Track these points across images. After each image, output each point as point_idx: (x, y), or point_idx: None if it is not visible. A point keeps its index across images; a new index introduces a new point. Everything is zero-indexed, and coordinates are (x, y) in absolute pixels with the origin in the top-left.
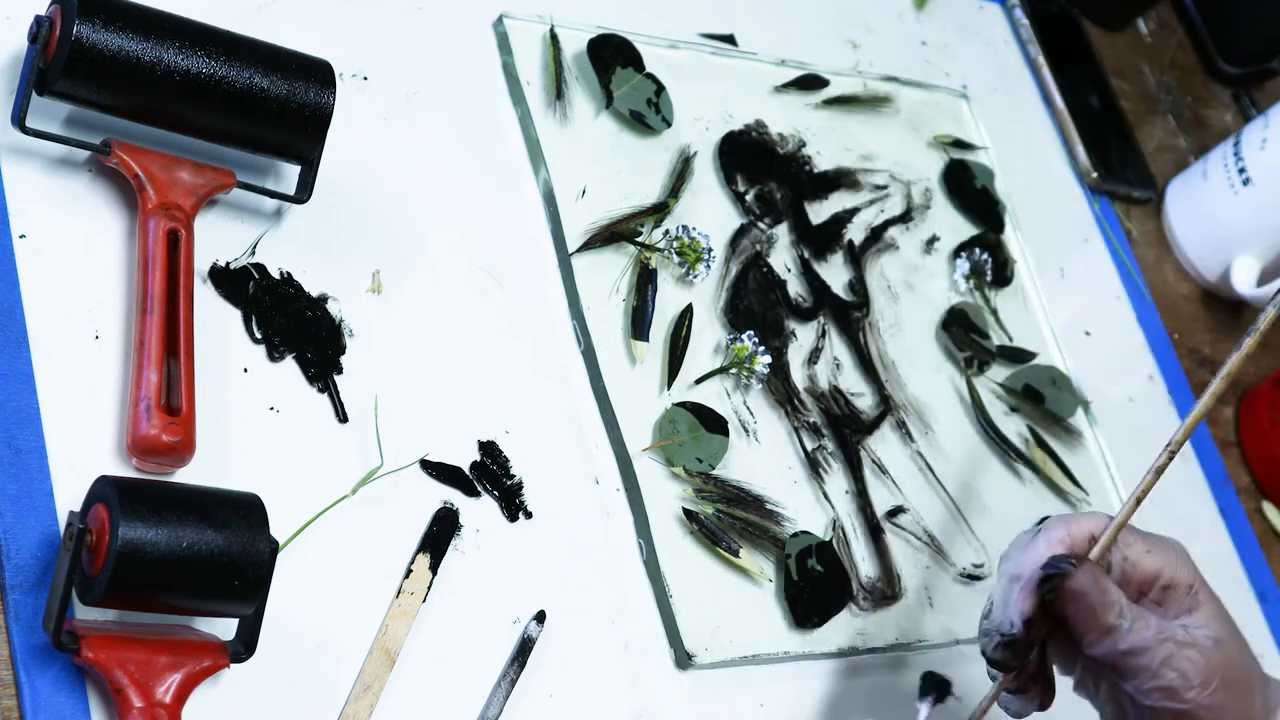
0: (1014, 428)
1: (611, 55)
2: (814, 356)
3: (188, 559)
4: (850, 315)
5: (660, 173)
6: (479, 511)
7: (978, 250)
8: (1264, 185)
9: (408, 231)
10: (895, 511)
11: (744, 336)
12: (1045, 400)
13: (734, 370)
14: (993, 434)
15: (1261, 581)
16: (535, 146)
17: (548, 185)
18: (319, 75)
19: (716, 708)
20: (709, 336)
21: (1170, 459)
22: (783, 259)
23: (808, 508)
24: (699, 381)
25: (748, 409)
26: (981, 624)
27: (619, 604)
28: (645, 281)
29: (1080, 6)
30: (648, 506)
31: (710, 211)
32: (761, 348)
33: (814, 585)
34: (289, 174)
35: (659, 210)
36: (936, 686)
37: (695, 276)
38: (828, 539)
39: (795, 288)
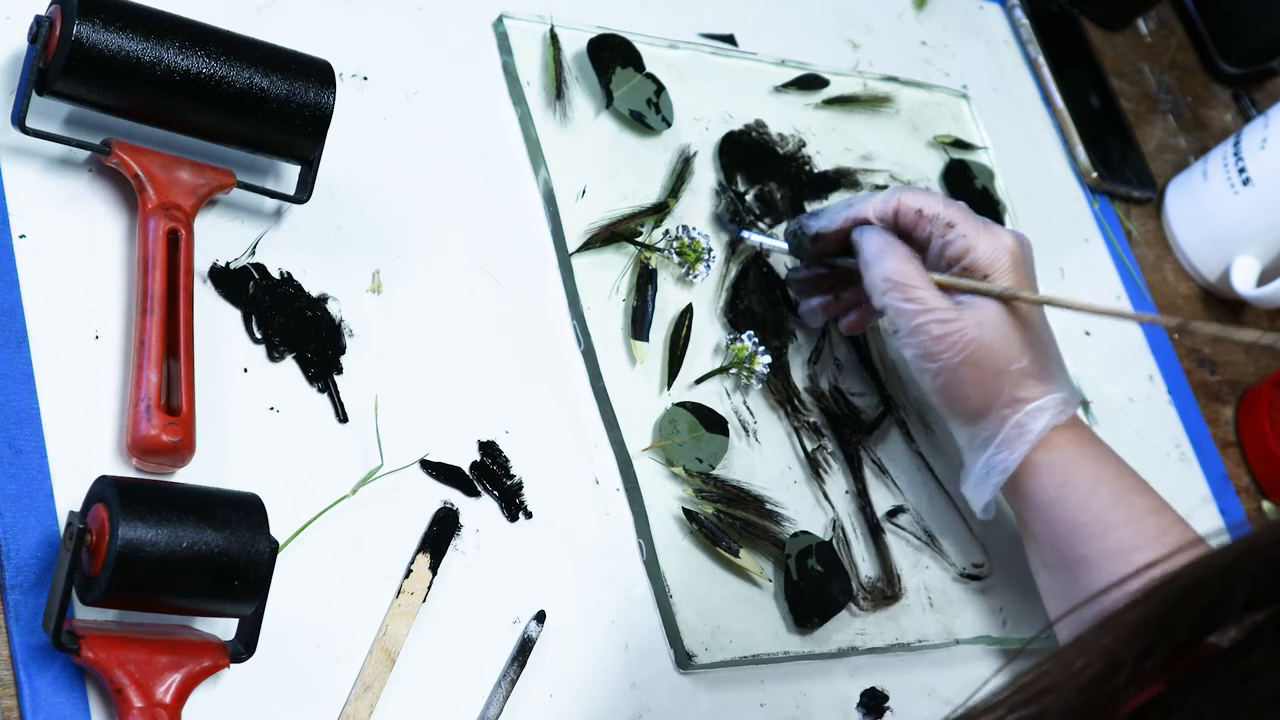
0: None
1: (611, 55)
2: (814, 356)
3: (188, 559)
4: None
5: (660, 173)
6: (479, 511)
7: None
8: (1264, 185)
9: (408, 231)
10: (895, 511)
11: (744, 337)
12: None
13: (734, 370)
14: None
15: None
16: (535, 146)
17: (548, 185)
18: (319, 75)
19: (716, 708)
20: (709, 337)
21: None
22: (783, 259)
23: (808, 508)
24: (699, 382)
25: (748, 409)
26: (801, 216)
27: (619, 604)
28: (645, 281)
29: (1080, 6)
30: (648, 506)
31: (710, 212)
32: (761, 347)
33: (814, 585)
34: (289, 174)
35: (659, 210)
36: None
37: (695, 276)
38: (828, 539)
39: None
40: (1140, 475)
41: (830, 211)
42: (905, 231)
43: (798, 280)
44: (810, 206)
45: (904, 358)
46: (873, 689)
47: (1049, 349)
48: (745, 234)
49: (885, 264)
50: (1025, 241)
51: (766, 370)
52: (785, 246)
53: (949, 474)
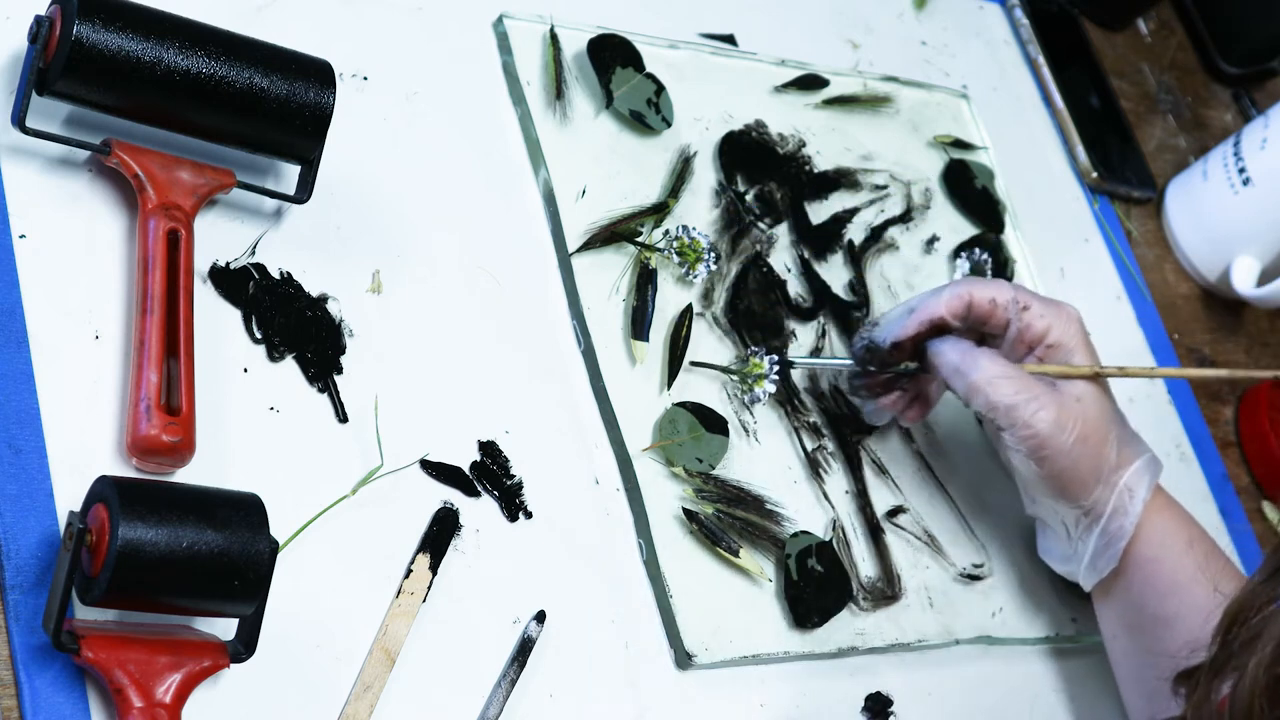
0: None
1: (611, 55)
2: (814, 356)
3: (188, 559)
4: (850, 315)
5: (660, 173)
6: (479, 511)
7: (978, 250)
8: (1264, 185)
9: (408, 231)
10: (895, 511)
11: (766, 358)
12: None
13: (736, 376)
14: None
15: None
16: (535, 146)
17: (548, 185)
18: (319, 75)
19: (716, 708)
20: (709, 336)
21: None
22: (783, 259)
23: (808, 508)
24: (697, 365)
25: (748, 409)
26: (864, 327)
27: (619, 604)
28: (645, 281)
29: (1080, 6)
30: (648, 506)
31: (711, 211)
32: (775, 372)
33: (814, 585)
34: (289, 174)
35: (659, 210)
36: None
37: (695, 276)
38: (828, 539)
39: (795, 288)
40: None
41: (893, 318)
42: (979, 322)
43: (863, 386)
44: (810, 207)
45: (1012, 458)
46: (877, 693)
47: (1122, 414)
48: (797, 361)
49: (979, 370)
50: (1079, 312)
51: (764, 398)
52: (847, 364)
53: (949, 474)
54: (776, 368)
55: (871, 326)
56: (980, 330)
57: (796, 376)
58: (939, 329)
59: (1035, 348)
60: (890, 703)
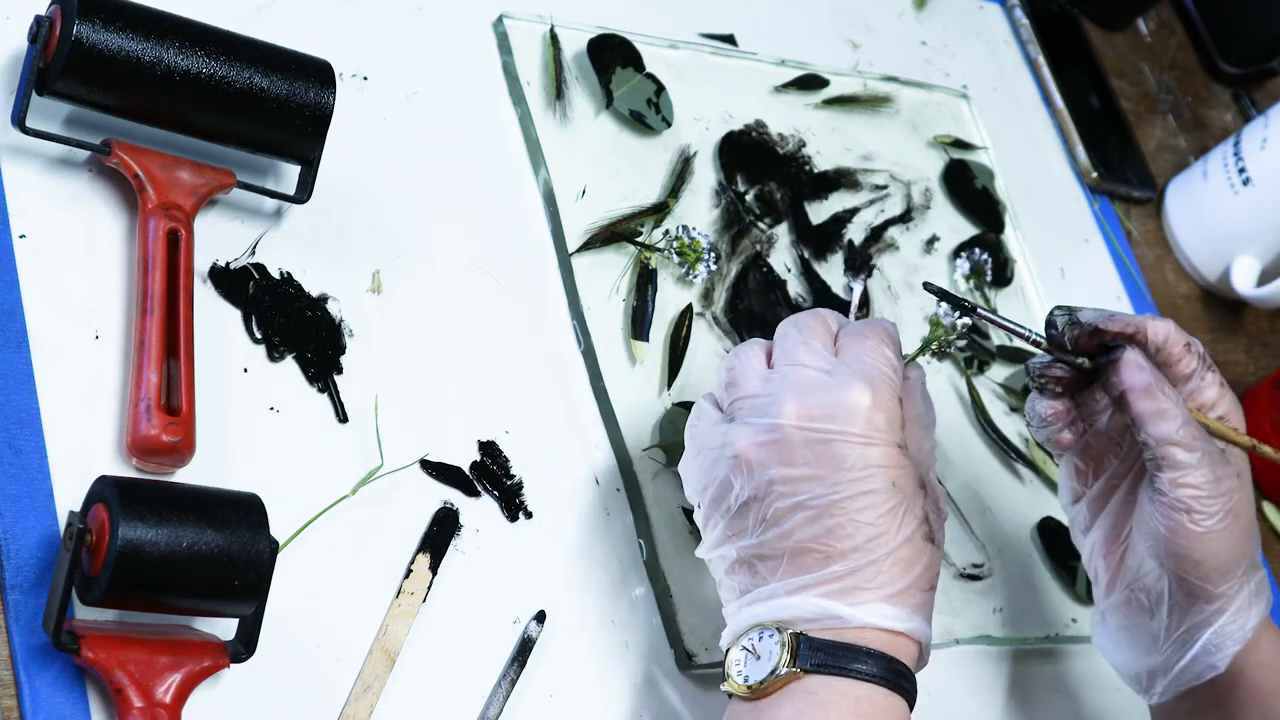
0: (1014, 428)
1: (611, 55)
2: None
3: (188, 559)
4: (850, 315)
5: (660, 173)
6: (479, 511)
7: (978, 250)
8: (1264, 185)
9: (408, 231)
10: None
11: (949, 316)
12: None
13: (935, 345)
14: (993, 434)
15: None
16: (535, 146)
17: (548, 185)
18: (319, 75)
19: (716, 708)
20: (709, 336)
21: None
22: (783, 259)
23: None
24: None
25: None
26: (1063, 307)
27: (619, 604)
28: (645, 281)
29: (1080, 6)
30: (648, 506)
31: (711, 211)
32: (959, 322)
33: None
34: (289, 174)
35: (659, 210)
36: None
37: (695, 276)
38: None
39: (795, 288)
40: None
41: (1097, 311)
42: (1166, 361)
43: (1048, 379)
44: (810, 207)
45: (1153, 511)
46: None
47: None
48: (981, 310)
49: (1165, 395)
50: None
51: (964, 329)
52: (1025, 333)
53: (949, 474)
54: (960, 316)
55: (1078, 309)
56: (1166, 370)
57: None
58: (1138, 343)
59: (1204, 413)
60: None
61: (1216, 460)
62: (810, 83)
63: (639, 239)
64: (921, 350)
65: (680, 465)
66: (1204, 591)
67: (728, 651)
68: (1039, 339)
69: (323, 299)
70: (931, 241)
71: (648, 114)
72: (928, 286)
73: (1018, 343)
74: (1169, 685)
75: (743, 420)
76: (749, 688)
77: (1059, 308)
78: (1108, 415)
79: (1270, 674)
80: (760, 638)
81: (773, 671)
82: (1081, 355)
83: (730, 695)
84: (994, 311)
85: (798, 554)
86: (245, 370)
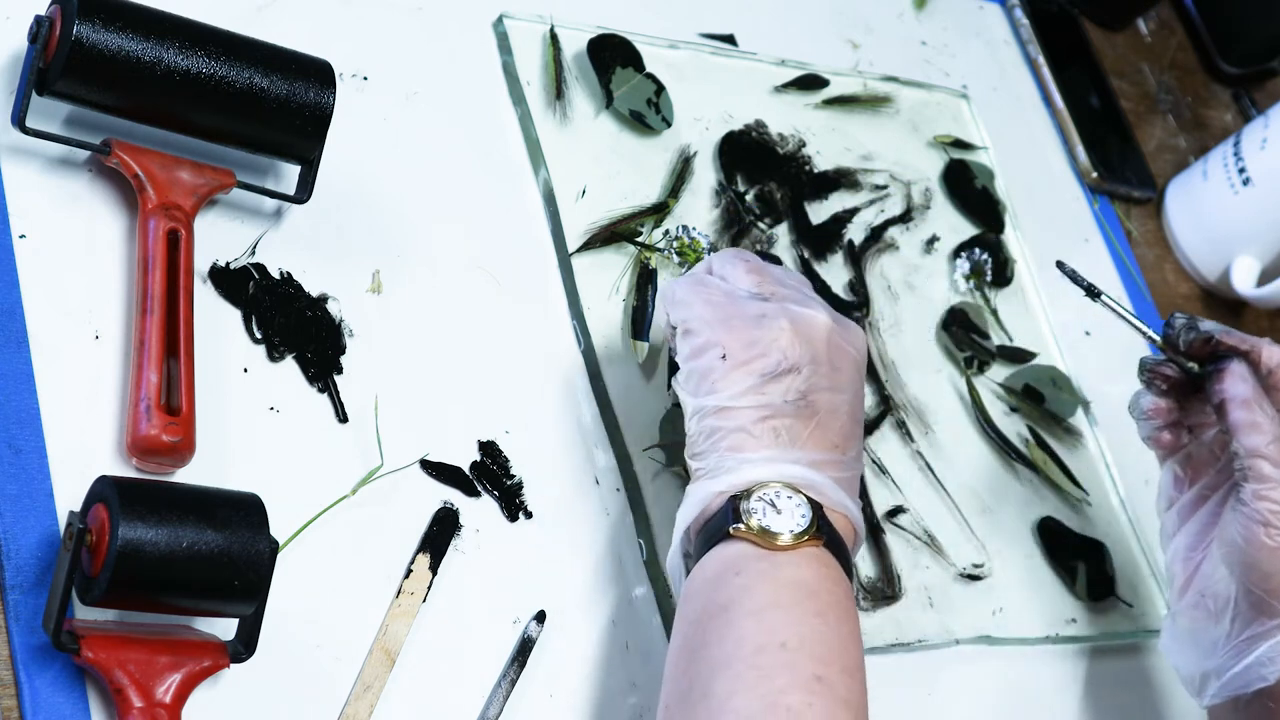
0: (1014, 428)
1: (611, 55)
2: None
3: (188, 559)
4: (850, 315)
5: (660, 173)
6: (479, 511)
7: (978, 250)
8: (1264, 185)
9: (408, 231)
10: (895, 511)
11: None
12: (1045, 400)
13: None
14: (993, 434)
15: None
16: (535, 146)
17: (548, 185)
18: (319, 75)
19: None
20: None
21: None
22: (783, 259)
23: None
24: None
25: None
26: (1183, 315)
27: (619, 604)
28: (645, 281)
29: (1080, 6)
30: (648, 506)
31: (711, 212)
32: (1082, 285)
33: None
34: (289, 174)
35: (659, 210)
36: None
37: None
38: None
39: None
40: None
41: (1219, 325)
42: (1274, 387)
43: (1156, 376)
44: (810, 207)
45: (1236, 523)
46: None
47: None
48: (1107, 299)
49: (1262, 408)
50: None
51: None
52: (1144, 328)
53: (949, 474)
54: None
55: (1196, 317)
56: (1270, 393)
57: None
58: (1249, 361)
59: None
60: None
61: None
62: (810, 83)
63: (639, 239)
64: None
65: (685, 310)
66: (1268, 606)
67: (736, 499)
68: (1155, 336)
69: (323, 299)
70: (931, 241)
71: (648, 114)
72: (1061, 266)
73: (1019, 343)
74: (1220, 689)
75: (792, 304)
76: (768, 534)
77: (1181, 314)
78: (1214, 431)
79: None
80: (780, 495)
81: (797, 531)
82: (1194, 360)
83: (729, 537)
84: (1119, 303)
85: (820, 434)
86: (245, 370)
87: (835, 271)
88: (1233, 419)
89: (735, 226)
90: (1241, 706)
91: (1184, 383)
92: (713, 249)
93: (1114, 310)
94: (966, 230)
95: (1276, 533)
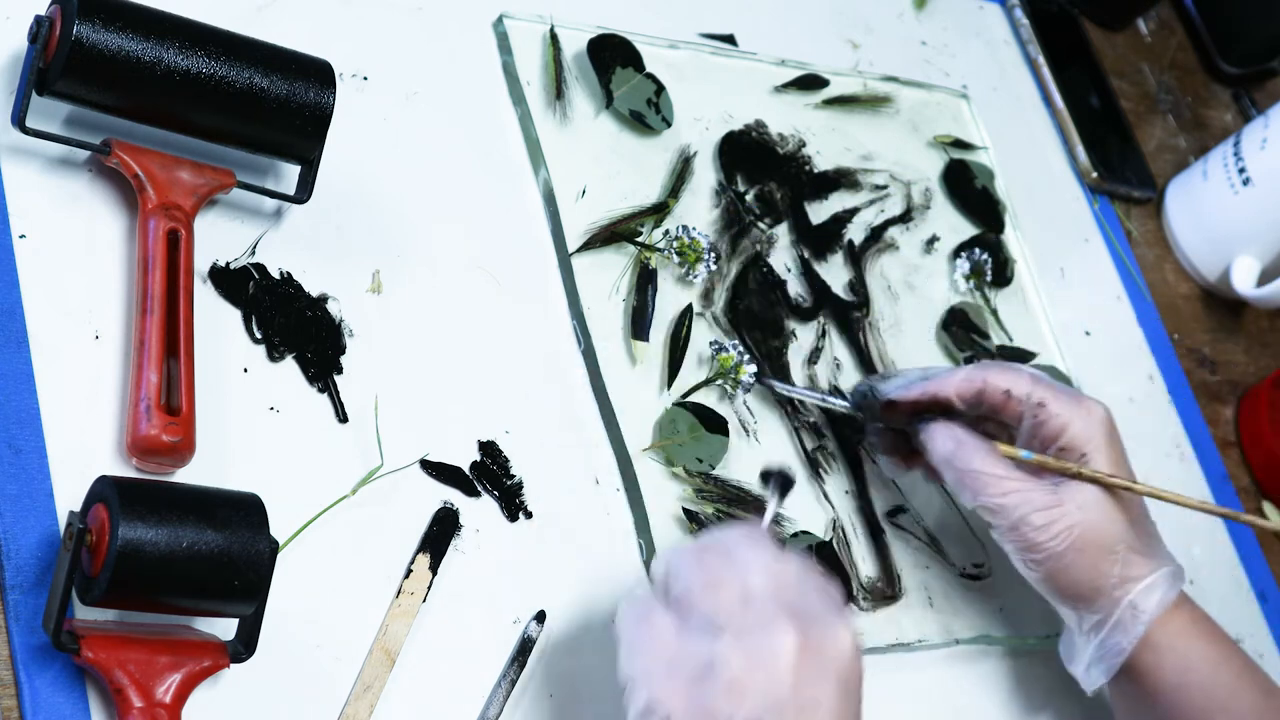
0: None
1: (611, 55)
2: (814, 356)
3: (188, 559)
4: (850, 315)
5: (660, 173)
6: (479, 511)
7: (978, 250)
8: (1264, 185)
9: (408, 231)
10: (895, 511)
11: (729, 346)
12: None
13: (720, 381)
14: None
15: (1261, 581)
16: (535, 146)
17: (548, 185)
18: (319, 75)
19: None
20: (709, 336)
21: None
22: (783, 259)
23: (808, 508)
24: (686, 395)
25: (748, 409)
26: (873, 376)
27: (619, 604)
28: (645, 281)
29: (1080, 6)
30: (648, 506)
31: (711, 211)
32: (745, 356)
33: None
34: (289, 174)
35: (659, 210)
36: (779, 480)
37: (695, 276)
38: (828, 539)
39: (795, 288)
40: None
41: (904, 379)
42: (991, 412)
43: (875, 442)
44: (810, 207)
45: (1004, 549)
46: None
47: (1148, 520)
48: (783, 388)
49: (969, 463)
50: (1108, 409)
51: (752, 380)
52: (846, 405)
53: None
54: (747, 357)
55: (880, 378)
56: (993, 419)
57: (797, 376)
58: (945, 408)
59: (1049, 446)
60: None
61: (1041, 505)
62: (810, 83)
63: (639, 239)
64: (708, 381)
65: (630, 661)
66: (1074, 612)
67: None
68: (847, 408)
69: (323, 299)
70: (931, 241)
71: (648, 114)
72: (761, 380)
73: (1019, 343)
74: (1086, 684)
75: (750, 635)
76: None
77: (862, 382)
78: None
79: (1176, 669)
80: None
81: None
82: (896, 418)
83: None
84: (800, 389)
85: None
86: (245, 370)
87: (835, 271)
88: (953, 484)
89: (735, 226)
90: (1125, 688)
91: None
92: (712, 249)
93: (805, 396)
94: (966, 230)
95: (1034, 561)
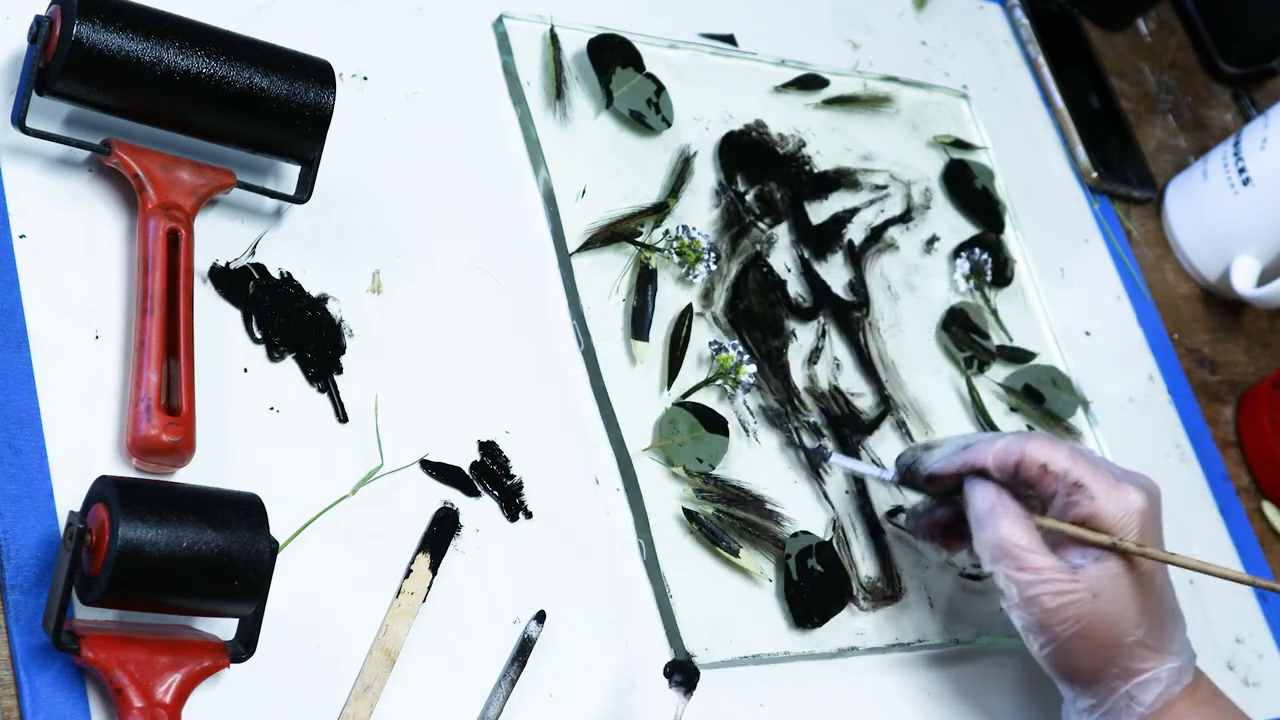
0: (1014, 428)
1: (611, 55)
2: (814, 356)
3: (188, 559)
4: (850, 315)
5: (660, 173)
6: (479, 511)
7: (978, 250)
8: (1264, 185)
9: (408, 231)
10: (895, 511)
11: (729, 346)
12: (1045, 400)
13: (719, 381)
14: None
15: None
16: (535, 146)
17: (548, 185)
18: (319, 75)
19: (716, 708)
20: (709, 336)
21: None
22: (783, 259)
23: (808, 508)
24: (686, 395)
25: (748, 409)
26: (914, 446)
27: (619, 604)
28: (645, 281)
29: (1080, 6)
30: (648, 506)
31: (711, 212)
32: (745, 356)
33: (814, 585)
34: (289, 174)
35: (659, 210)
36: (682, 670)
37: (695, 276)
38: (828, 539)
39: (795, 288)
40: None
41: (945, 449)
42: (1025, 485)
43: (921, 526)
44: (810, 207)
45: (1011, 620)
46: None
47: (1167, 610)
48: (836, 459)
49: (996, 528)
50: (1155, 493)
51: (752, 380)
52: (886, 476)
53: None
54: (747, 357)
55: (923, 449)
56: (1031, 490)
57: (796, 375)
58: (984, 475)
59: (1083, 522)
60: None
61: (1058, 588)
62: (810, 83)
63: (639, 239)
64: (708, 381)
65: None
66: (1070, 690)
67: None
68: (889, 479)
69: (323, 299)
70: (931, 241)
71: (648, 114)
72: (812, 453)
73: (1019, 343)
74: None
75: None
76: None
77: (907, 453)
78: None
79: None
80: None
81: None
82: (938, 489)
83: None
84: (858, 456)
85: None
86: (245, 370)
87: (835, 271)
88: (977, 545)
89: (735, 226)
90: None
91: (950, 517)
92: (712, 249)
93: (850, 467)
94: (966, 230)
95: (1037, 645)
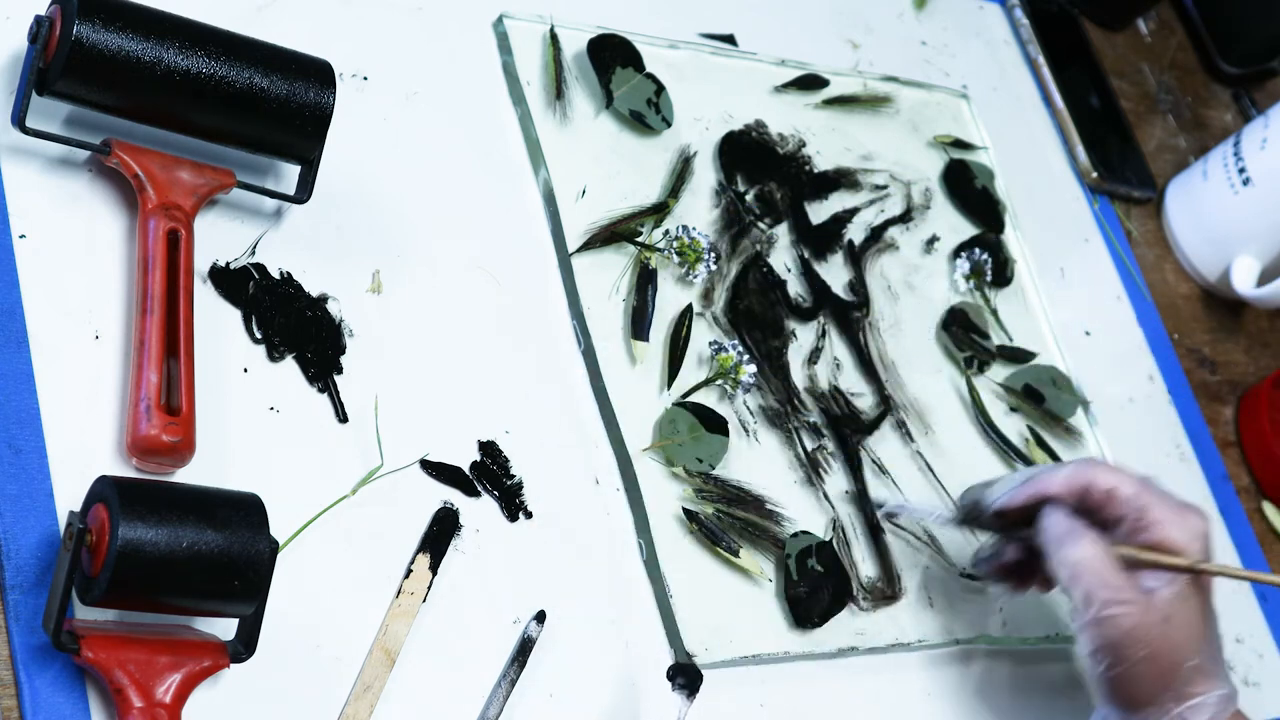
0: (1014, 428)
1: (611, 55)
2: (814, 356)
3: (188, 559)
4: (850, 315)
5: (660, 173)
6: (479, 511)
7: (978, 250)
8: (1264, 185)
9: (408, 231)
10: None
11: (729, 346)
12: (1045, 400)
13: (720, 381)
14: (993, 434)
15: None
16: (535, 146)
17: (548, 185)
18: (319, 75)
19: (716, 708)
20: (709, 336)
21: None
22: (783, 259)
23: (808, 508)
24: (686, 395)
25: (748, 409)
26: (974, 486)
27: (619, 604)
28: (645, 281)
29: (1080, 6)
30: (648, 506)
31: (711, 212)
32: (745, 356)
33: (814, 585)
34: (289, 174)
35: (659, 210)
36: (685, 673)
37: (695, 276)
38: (828, 539)
39: (795, 288)
40: None
41: (1007, 484)
42: (1094, 509)
43: (991, 570)
44: (810, 207)
45: (1078, 642)
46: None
47: (1217, 640)
48: (901, 506)
49: (1075, 547)
50: (1207, 519)
51: (752, 380)
52: (946, 515)
53: (949, 474)
54: (747, 357)
55: (983, 487)
56: (1096, 516)
57: (796, 375)
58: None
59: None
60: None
61: (1132, 610)
62: (810, 83)
63: (639, 239)
64: (708, 381)
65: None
66: (1121, 713)
67: None
68: (958, 525)
69: (323, 299)
70: (931, 241)
71: (648, 114)
72: (877, 510)
73: (1019, 343)
74: None
75: None
76: None
77: (966, 496)
78: None
79: None
80: None
81: None
82: (1005, 523)
83: None
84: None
85: None
86: (245, 370)
87: (835, 271)
88: (1054, 566)
89: (735, 226)
90: None
91: (1017, 559)
92: (712, 249)
93: (910, 512)
94: (966, 230)
95: (1107, 661)
